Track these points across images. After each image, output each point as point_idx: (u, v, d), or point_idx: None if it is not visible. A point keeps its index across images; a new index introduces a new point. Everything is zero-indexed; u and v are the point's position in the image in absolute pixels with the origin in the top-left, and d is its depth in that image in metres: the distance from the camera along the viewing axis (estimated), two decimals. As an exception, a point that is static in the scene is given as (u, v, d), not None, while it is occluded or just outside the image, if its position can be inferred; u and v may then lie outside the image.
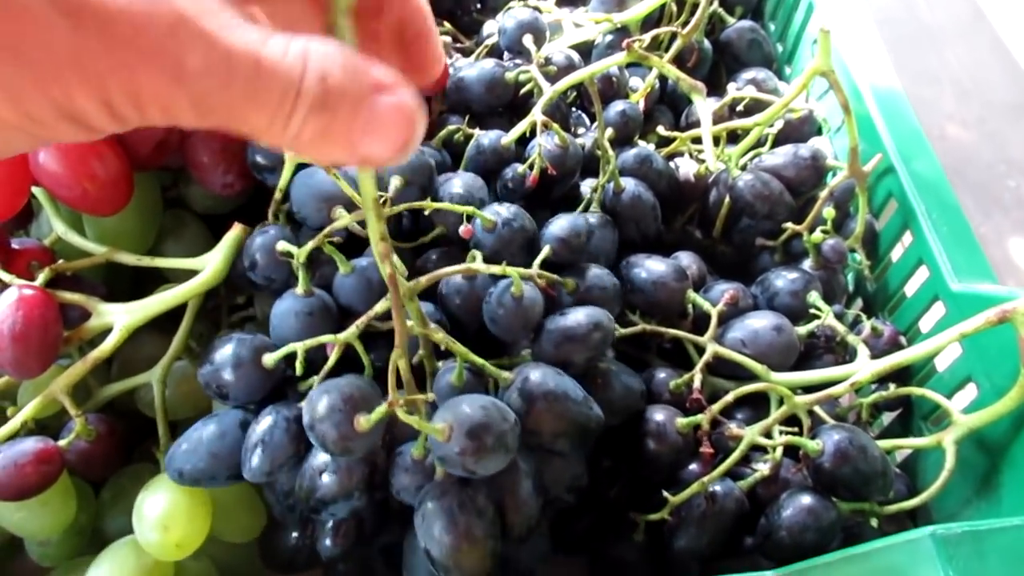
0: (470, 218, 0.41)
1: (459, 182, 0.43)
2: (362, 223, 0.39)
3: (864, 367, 0.39)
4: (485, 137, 0.46)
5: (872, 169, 0.45)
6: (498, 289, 0.39)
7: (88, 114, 0.19)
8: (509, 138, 0.46)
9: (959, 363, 0.41)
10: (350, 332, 0.38)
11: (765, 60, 0.60)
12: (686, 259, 0.48)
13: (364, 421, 0.31)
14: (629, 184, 0.47)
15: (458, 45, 0.56)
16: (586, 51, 0.55)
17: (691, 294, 0.44)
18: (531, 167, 0.44)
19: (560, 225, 0.42)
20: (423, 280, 0.37)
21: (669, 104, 0.59)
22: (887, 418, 0.48)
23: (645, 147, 0.50)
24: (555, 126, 0.44)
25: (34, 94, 0.19)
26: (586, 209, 0.48)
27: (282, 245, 0.39)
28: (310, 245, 0.39)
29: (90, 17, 0.18)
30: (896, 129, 0.47)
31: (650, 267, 0.45)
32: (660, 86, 0.59)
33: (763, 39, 0.60)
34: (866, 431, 0.45)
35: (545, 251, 0.41)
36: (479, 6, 0.59)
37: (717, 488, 0.39)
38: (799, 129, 0.53)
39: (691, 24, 0.51)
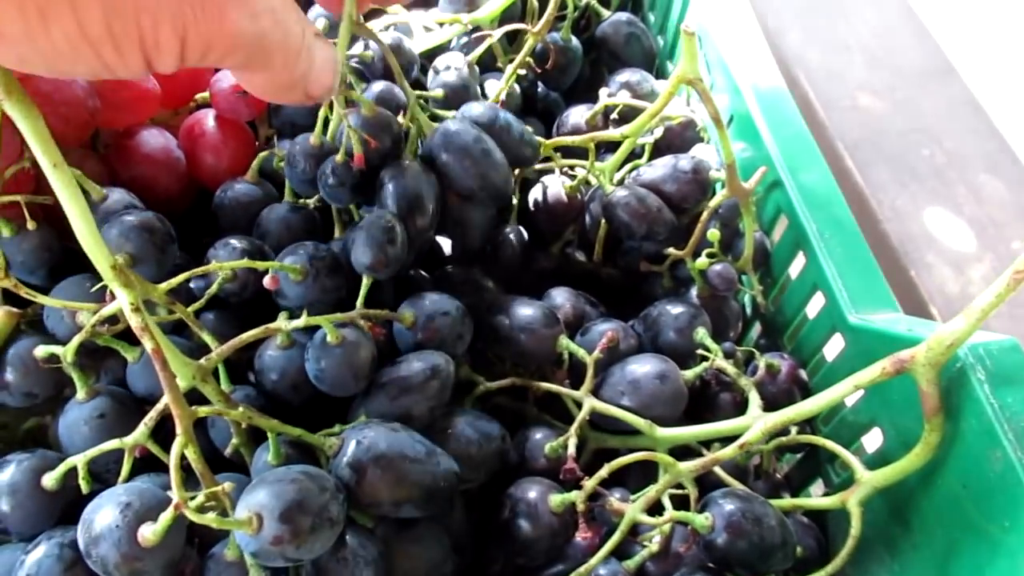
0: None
1: (237, 242, 0.37)
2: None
3: (755, 423, 0.34)
4: (295, 146, 0.39)
5: (756, 185, 0.40)
6: (316, 341, 0.33)
7: (162, 48, 0.23)
8: (316, 134, 0.38)
9: (863, 405, 0.37)
10: (139, 432, 0.31)
11: (645, 56, 0.54)
12: (560, 297, 0.42)
13: (151, 534, 0.26)
14: (445, 123, 0.39)
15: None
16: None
17: (563, 341, 0.39)
18: (349, 154, 0.36)
19: (363, 251, 0.35)
20: (215, 355, 0.30)
21: (542, 114, 0.54)
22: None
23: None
24: (355, 93, 0.37)
25: (128, 15, 0.21)
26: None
27: (41, 349, 0.32)
28: (76, 340, 0.31)
29: None
30: (782, 137, 0.42)
31: (516, 312, 0.39)
32: (529, 95, 0.53)
33: (642, 32, 0.54)
34: (770, 475, 0.40)
35: (365, 283, 0.35)
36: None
37: (601, 572, 0.34)
38: (681, 135, 0.47)
39: (542, 20, 0.45)
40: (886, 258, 0.69)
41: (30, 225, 0.36)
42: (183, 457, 0.27)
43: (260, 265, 0.34)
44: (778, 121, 0.42)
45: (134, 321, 0.24)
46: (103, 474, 0.33)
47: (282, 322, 0.32)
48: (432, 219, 0.38)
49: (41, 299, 0.32)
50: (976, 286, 0.67)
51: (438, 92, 0.43)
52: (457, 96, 0.45)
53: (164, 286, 0.31)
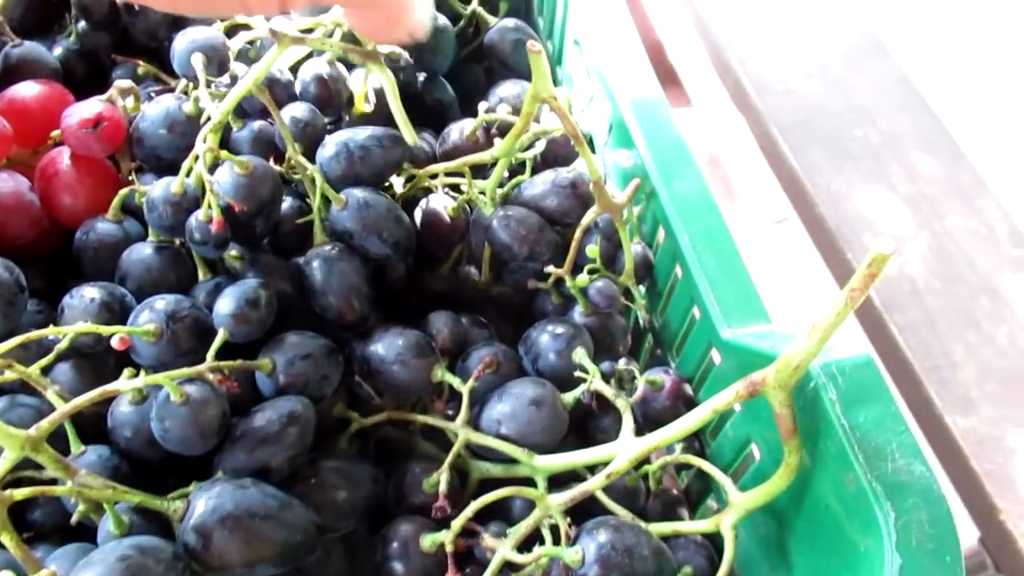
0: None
1: (91, 291, 0.36)
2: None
3: (623, 450, 0.33)
4: (155, 188, 0.37)
5: (628, 199, 0.39)
6: (159, 400, 0.32)
7: None
8: (178, 182, 0.37)
9: (739, 421, 0.36)
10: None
11: (536, 62, 0.53)
12: (439, 321, 0.41)
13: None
14: (352, 193, 0.39)
15: (159, 89, 0.47)
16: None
17: (439, 371, 0.37)
18: (211, 207, 0.35)
19: (227, 301, 0.35)
20: (46, 423, 0.29)
21: (434, 121, 0.52)
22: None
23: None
24: (226, 154, 0.36)
25: None
26: (312, 244, 0.40)
27: None
28: None
29: None
30: (657, 146, 0.41)
31: (388, 343, 0.38)
32: (414, 92, 0.51)
33: (530, 37, 0.53)
34: (665, 492, 0.40)
35: (219, 338, 0.34)
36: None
37: (475, 611, 0.33)
38: (566, 147, 0.46)
39: None
40: (822, 241, 0.68)
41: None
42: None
43: (104, 330, 0.32)
44: (653, 129, 0.41)
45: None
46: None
47: (122, 382, 0.30)
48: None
49: None
50: (913, 265, 0.67)
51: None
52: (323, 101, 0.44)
53: (2, 348, 0.30)
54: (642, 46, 0.44)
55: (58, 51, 0.49)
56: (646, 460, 0.36)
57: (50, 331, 0.32)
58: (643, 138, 0.41)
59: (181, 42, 0.41)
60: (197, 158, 0.36)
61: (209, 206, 0.35)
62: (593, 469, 0.37)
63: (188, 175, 0.37)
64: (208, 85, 0.40)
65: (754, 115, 0.76)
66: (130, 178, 0.43)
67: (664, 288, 0.42)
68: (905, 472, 0.28)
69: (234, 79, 0.42)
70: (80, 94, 0.45)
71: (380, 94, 0.44)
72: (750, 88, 0.77)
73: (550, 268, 0.41)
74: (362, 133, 0.41)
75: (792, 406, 0.29)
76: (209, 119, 0.38)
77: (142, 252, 0.38)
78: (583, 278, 0.40)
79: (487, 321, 0.45)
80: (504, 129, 0.46)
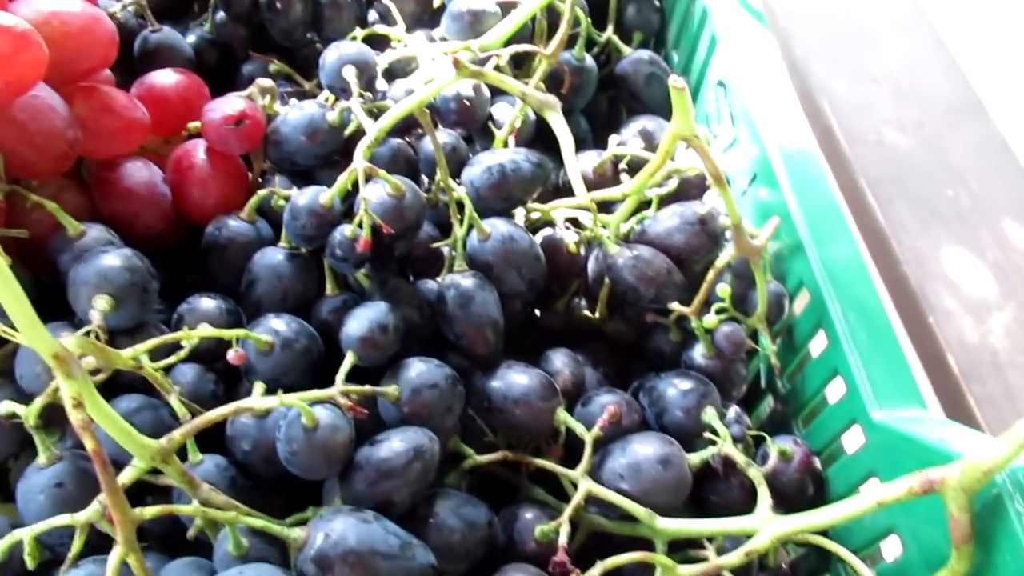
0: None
1: (208, 301, 0.35)
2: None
3: (764, 528, 0.31)
4: (301, 197, 0.36)
5: (766, 241, 0.37)
6: (288, 421, 0.31)
7: None
8: (328, 195, 0.36)
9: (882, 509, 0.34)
10: (92, 510, 0.28)
11: (666, 97, 0.50)
12: (558, 361, 0.40)
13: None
14: (497, 226, 0.38)
15: (292, 89, 0.46)
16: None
17: (561, 415, 0.36)
18: (360, 225, 0.35)
19: (357, 324, 0.34)
20: (177, 435, 0.28)
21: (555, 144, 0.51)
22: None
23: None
24: (382, 173, 0.35)
25: None
26: (450, 268, 0.39)
27: (6, 405, 0.30)
28: (38, 403, 0.29)
29: None
30: (808, 203, 0.39)
31: (511, 381, 0.36)
32: (548, 131, 0.50)
33: (663, 72, 0.51)
34: (776, 568, 0.38)
35: (348, 360, 0.33)
36: (317, 34, 0.49)
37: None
38: (696, 185, 0.44)
39: (553, 42, 0.42)
40: (902, 301, 0.65)
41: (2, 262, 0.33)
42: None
43: (227, 334, 0.31)
44: (804, 185, 0.39)
45: (75, 418, 0.22)
46: (57, 547, 0.30)
47: (255, 399, 0.29)
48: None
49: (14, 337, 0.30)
50: (996, 336, 0.64)
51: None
52: (464, 121, 0.44)
53: (129, 353, 0.29)
54: (795, 95, 0.42)
55: (192, 39, 0.49)
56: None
57: (179, 335, 0.31)
58: (793, 194, 0.39)
59: (332, 54, 0.40)
60: (353, 173, 0.35)
61: (359, 224, 0.34)
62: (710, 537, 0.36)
63: (340, 190, 0.35)
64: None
65: (842, 164, 0.73)
66: (260, 179, 0.42)
67: (800, 347, 0.40)
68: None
69: (382, 94, 0.41)
70: (210, 83, 0.44)
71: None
72: (840, 136, 0.74)
73: (676, 306, 0.40)
74: (506, 154, 0.40)
75: (971, 510, 0.27)
76: (355, 132, 0.37)
77: (274, 258, 0.37)
78: (711, 320, 0.39)
79: (599, 354, 0.44)
80: (634, 165, 0.45)
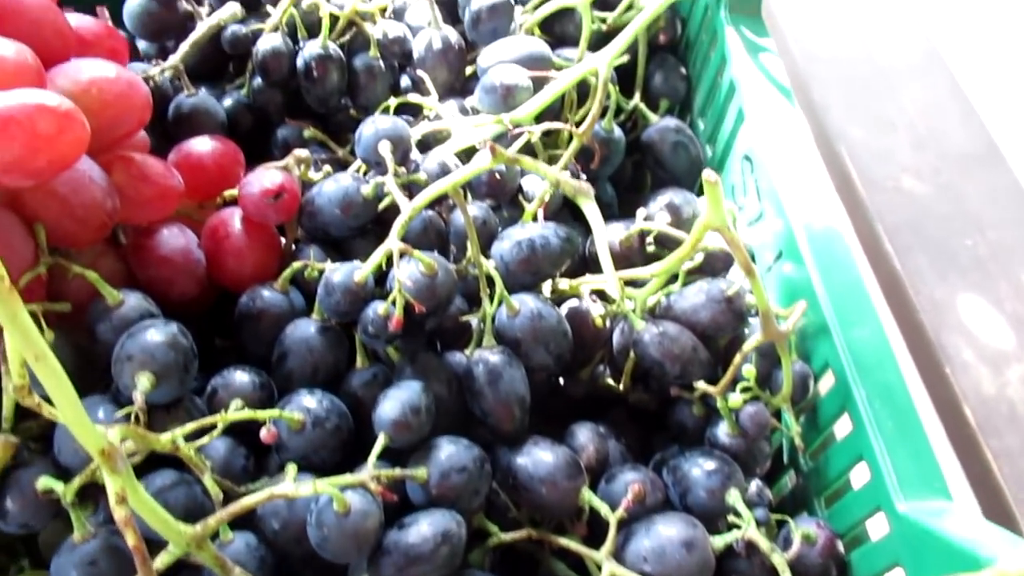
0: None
1: (241, 375, 0.36)
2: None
3: (789, 623, 0.31)
4: (336, 273, 0.37)
5: (793, 328, 0.37)
6: (319, 506, 0.31)
7: None
8: (363, 273, 0.37)
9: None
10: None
11: (692, 165, 0.52)
12: (583, 435, 0.40)
13: None
14: (526, 302, 0.39)
15: (326, 156, 0.47)
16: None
17: (586, 494, 0.36)
18: (393, 303, 0.35)
19: (391, 406, 0.34)
20: (212, 521, 0.28)
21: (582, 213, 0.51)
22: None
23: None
24: (416, 253, 0.36)
25: None
26: (479, 343, 0.40)
27: (44, 481, 0.30)
28: (77, 481, 0.30)
29: None
30: (834, 284, 0.39)
31: (537, 459, 0.37)
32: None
33: (690, 141, 0.52)
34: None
35: (380, 443, 0.33)
36: (351, 101, 0.50)
37: None
38: (722, 259, 0.45)
39: (585, 123, 0.43)
40: (919, 351, 0.65)
41: (47, 335, 0.34)
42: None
43: (261, 415, 0.32)
44: (831, 265, 0.40)
45: (118, 514, 0.23)
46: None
47: (288, 486, 0.30)
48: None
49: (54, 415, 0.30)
50: (1014, 388, 0.64)
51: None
52: (494, 193, 0.44)
53: (167, 438, 0.30)
54: (826, 174, 0.43)
55: (228, 102, 0.50)
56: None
57: (215, 419, 0.32)
58: (820, 275, 0.39)
59: (368, 129, 0.41)
60: (387, 251, 0.35)
61: (392, 303, 0.34)
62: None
63: (375, 268, 0.36)
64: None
65: (860, 210, 0.73)
66: (293, 246, 0.43)
67: (824, 428, 0.40)
68: None
69: (415, 164, 0.42)
70: (244, 146, 0.46)
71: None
72: (858, 182, 0.74)
73: (702, 384, 0.40)
74: (535, 228, 0.40)
75: (1000, 622, 0.27)
76: (389, 206, 0.38)
77: (306, 331, 0.38)
78: (736, 400, 0.39)
79: (620, 423, 0.44)
80: (660, 237, 0.45)
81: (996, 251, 0.72)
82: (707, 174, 0.32)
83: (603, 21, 0.52)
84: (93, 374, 0.37)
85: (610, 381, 0.46)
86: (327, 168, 0.45)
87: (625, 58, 0.45)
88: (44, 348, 0.23)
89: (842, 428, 0.38)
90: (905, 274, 0.69)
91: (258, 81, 0.49)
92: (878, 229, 0.72)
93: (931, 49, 0.87)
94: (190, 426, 0.31)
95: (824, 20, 0.87)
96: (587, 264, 0.46)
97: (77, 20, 0.41)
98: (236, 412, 0.32)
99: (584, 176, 0.50)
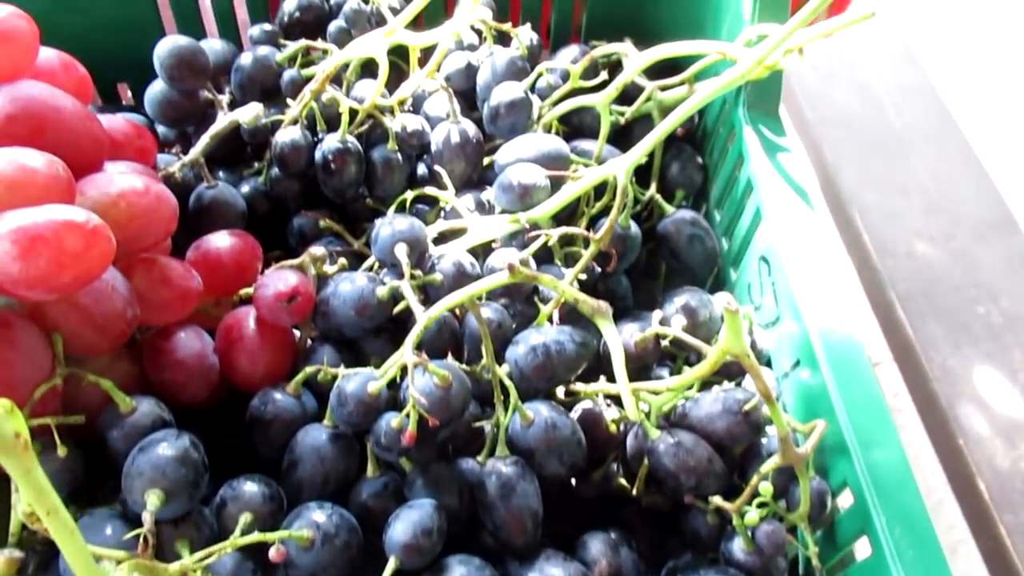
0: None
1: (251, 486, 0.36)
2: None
3: None
4: (349, 383, 0.37)
5: (812, 450, 0.37)
6: None
7: None
8: (377, 386, 0.36)
9: None
10: None
11: (707, 258, 0.52)
12: (595, 548, 0.39)
13: None
14: (540, 411, 0.39)
15: (341, 248, 0.47)
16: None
17: (598, 615, 0.36)
18: (407, 416, 0.35)
19: (402, 528, 0.34)
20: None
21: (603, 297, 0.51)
22: None
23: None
24: (431, 366, 0.36)
25: None
26: (491, 452, 0.39)
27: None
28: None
29: None
30: (853, 401, 0.38)
31: (548, 575, 0.36)
32: (589, 290, 0.51)
33: (705, 233, 0.52)
34: None
35: (391, 566, 0.33)
36: (368, 191, 0.50)
37: None
38: (735, 364, 0.44)
39: (603, 230, 0.43)
40: (932, 422, 0.64)
41: (60, 451, 0.34)
42: None
43: (270, 537, 0.32)
44: (850, 381, 0.39)
45: None
46: None
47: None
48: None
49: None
50: None
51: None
52: (510, 294, 0.44)
53: (176, 569, 0.29)
54: (847, 281, 0.42)
55: (245, 188, 0.51)
56: None
57: (225, 545, 0.32)
58: (838, 390, 0.39)
59: (385, 230, 0.41)
60: (401, 363, 0.35)
61: (407, 416, 0.34)
62: None
63: (388, 380, 0.36)
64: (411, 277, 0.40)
65: (872, 276, 0.72)
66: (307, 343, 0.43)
67: (842, 547, 0.39)
68: None
69: (431, 263, 0.42)
70: (260, 231, 0.46)
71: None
72: (870, 246, 0.74)
73: (718, 499, 0.39)
74: (550, 332, 0.40)
75: None
76: (404, 311, 0.38)
77: (318, 438, 0.38)
78: (752, 517, 0.38)
79: (633, 526, 0.43)
80: (676, 341, 0.45)
81: (1010, 320, 0.71)
82: (727, 303, 0.32)
83: (621, 114, 0.52)
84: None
85: (623, 481, 0.45)
86: (342, 261, 0.45)
87: (643, 159, 0.45)
88: (56, 503, 0.23)
89: (861, 550, 0.38)
90: (918, 342, 0.69)
91: (276, 171, 0.50)
92: (890, 295, 0.71)
93: (945, 114, 0.87)
94: (199, 555, 0.30)
95: (838, 83, 0.88)
96: (602, 364, 0.46)
97: (108, 121, 0.41)
98: (245, 536, 0.32)
99: (599, 269, 0.50)
